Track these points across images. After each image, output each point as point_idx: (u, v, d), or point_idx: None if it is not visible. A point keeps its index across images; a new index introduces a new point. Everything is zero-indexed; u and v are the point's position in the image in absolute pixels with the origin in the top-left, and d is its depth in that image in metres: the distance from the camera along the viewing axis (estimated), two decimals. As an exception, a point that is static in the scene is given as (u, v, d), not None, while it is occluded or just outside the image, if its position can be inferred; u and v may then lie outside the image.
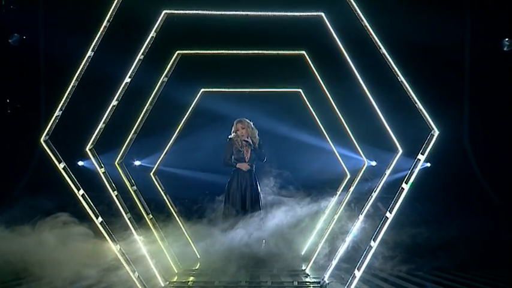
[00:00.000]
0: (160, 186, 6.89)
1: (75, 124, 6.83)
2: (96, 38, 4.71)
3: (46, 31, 10.04)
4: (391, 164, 4.89)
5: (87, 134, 4.83)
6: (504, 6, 9.64)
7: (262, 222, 6.68)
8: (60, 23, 9.50)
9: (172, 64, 6.21)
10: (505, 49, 9.86)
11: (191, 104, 7.03)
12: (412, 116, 4.55)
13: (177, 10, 5.15)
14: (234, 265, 6.10)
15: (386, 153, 5.34)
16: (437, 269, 6.12)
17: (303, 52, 6.51)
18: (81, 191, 4.57)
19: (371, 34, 4.57)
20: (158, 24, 5.07)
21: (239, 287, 5.49)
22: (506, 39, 9.84)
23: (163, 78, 6.15)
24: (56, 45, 9.48)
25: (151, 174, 6.91)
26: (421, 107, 4.32)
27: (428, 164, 9.14)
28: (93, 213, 4.60)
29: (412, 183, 4.30)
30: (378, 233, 4.44)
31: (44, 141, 4.55)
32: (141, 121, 5.98)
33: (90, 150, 4.79)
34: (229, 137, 6.81)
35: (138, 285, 4.79)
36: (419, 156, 4.30)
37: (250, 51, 6.47)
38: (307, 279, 5.81)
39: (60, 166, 4.56)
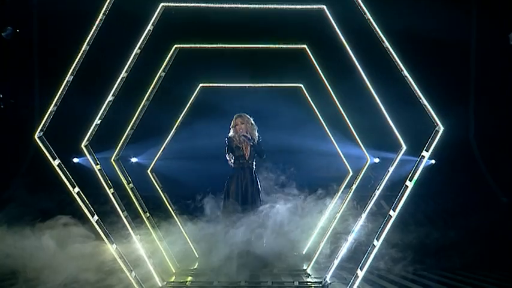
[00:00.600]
0: (157, 183, 6.80)
1: (70, 120, 6.73)
2: (92, 32, 4.67)
3: (40, 24, 9.94)
4: (395, 161, 4.85)
5: (83, 130, 4.74)
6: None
7: (262, 219, 6.57)
8: (54, 16, 9.41)
9: (170, 58, 6.15)
10: (511, 43, 9.72)
11: (189, 100, 6.94)
12: (416, 112, 4.48)
13: (174, 3, 5.07)
14: (233, 264, 5.99)
15: (390, 149, 5.26)
16: (442, 268, 6.06)
17: (304, 46, 6.43)
18: (77, 189, 4.54)
19: (374, 28, 4.52)
20: (155, 17, 5.00)
21: (239, 287, 5.39)
22: (513, 33, 9.74)
23: (160, 72, 6.11)
24: (50, 39, 9.39)
25: (149, 171, 6.82)
26: (425, 102, 4.27)
27: (433, 161, 9.03)
28: (89, 211, 4.56)
29: (416, 180, 4.25)
30: (381, 231, 4.38)
31: (38, 137, 4.51)
32: (137, 117, 5.91)
33: (85, 146, 4.72)
34: (226, 137, 6.66)
35: (135, 285, 4.75)
36: (424, 153, 4.25)
37: (250, 45, 6.43)
38: (309, 279, 5.74)
39: (55, 163, 4.51)
